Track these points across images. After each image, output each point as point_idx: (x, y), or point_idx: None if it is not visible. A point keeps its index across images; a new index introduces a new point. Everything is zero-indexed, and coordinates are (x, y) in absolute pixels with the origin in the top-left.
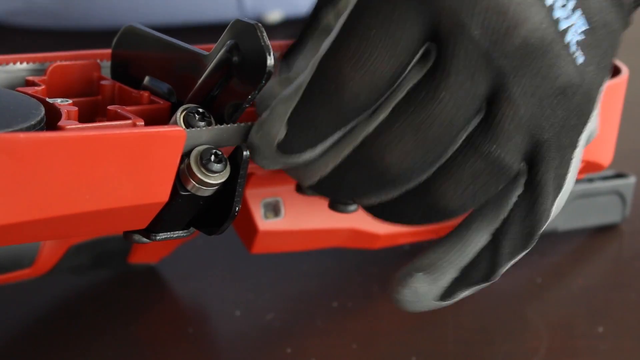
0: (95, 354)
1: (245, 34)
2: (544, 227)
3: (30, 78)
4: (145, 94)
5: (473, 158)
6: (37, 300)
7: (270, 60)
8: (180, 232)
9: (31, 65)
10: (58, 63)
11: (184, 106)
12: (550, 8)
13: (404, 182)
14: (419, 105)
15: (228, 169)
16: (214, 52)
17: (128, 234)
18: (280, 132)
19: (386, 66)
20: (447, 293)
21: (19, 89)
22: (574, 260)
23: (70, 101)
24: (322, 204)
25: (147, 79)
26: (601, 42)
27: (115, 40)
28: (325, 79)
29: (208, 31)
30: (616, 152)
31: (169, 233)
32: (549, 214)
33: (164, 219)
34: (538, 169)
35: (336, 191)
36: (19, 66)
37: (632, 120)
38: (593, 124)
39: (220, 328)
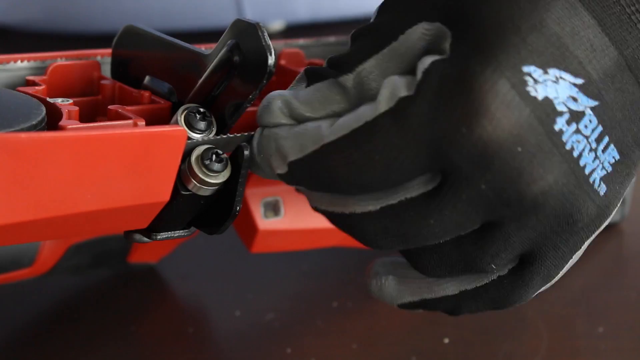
0: (95, 354)
1: (246, 34)
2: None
3: (31, 78)
4: (146, 93)
5: (461, 258)
6: (37, 300)
7: (271, 60)
8: (181, 231)
9: (32, 64)
10: (58, 63)
11: (185, 106)
12: (577, 158)
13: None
14: (408, 220)
15: (229, 168)
16: (214, 52)
17: (129, 234)
18: (281, 168)
19: (381, 181)
20: (409, 306)
21: (20, 88)
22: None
23: (70, 101)
24: None
25: (147, 78)
26: (625, 168)
27: (115, 40)
28: (319, 166)
29: (208, 38)
30: None
31: (169, 232)
32: (526, 300)
33: (165, 218)
34: (527, 268)
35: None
36: (19, 65)
37: None
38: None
39: (220, 328)
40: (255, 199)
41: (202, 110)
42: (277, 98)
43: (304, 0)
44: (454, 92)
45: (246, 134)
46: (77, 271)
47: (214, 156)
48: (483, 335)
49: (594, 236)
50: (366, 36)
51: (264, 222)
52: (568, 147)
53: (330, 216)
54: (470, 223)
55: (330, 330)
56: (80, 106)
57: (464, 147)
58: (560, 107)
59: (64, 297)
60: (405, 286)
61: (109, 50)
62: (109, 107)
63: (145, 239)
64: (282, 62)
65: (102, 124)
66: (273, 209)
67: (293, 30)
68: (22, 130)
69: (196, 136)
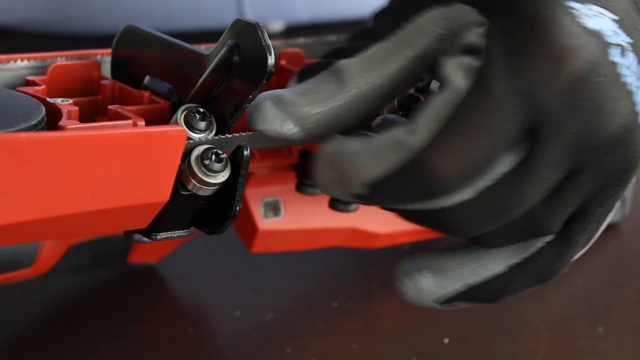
0: (95, 354)
1: (246, 34)
2: (562, 268)
3: (31, 78)
4: (146, 93)
5: (529, 220)
6: (37, 299)
7: (271, 60)
8: (181, 231)
9: (32, 63)
10: (58, 63)
11: (185, 106)
12: (631, 93)
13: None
14: (505, 196)
15: (229, 168)
16: (214, 52)
17: (129, 234)
18: (355, 188)
19: (479, 159)
20: (448, 300)
21: (20, 88)
22: (574, 260)
23: (70, 101)
24: (322, 203)
25: (147, 78)
26: None
27: (115, 40)
28: (414, 176)
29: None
30: None
31: (169, 232)
32: (569, 265)
33: (165, 218)
34: (575, 228)
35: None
36: (19, 64)
37: None
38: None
39: (220, 328)
40: (255, 199)
41: (202, 110)
42: (266, 98)
43: (304, 1)
44: (525, 40)
45: (246, 134)
46: (77, 271)
47: (213, 156)
48: (483, 335)
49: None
50: (366, 34)
51: (264, 222)
52: (623, 80)
53: (410, 215)
54: (558, 177)
55: (330, 330)
56: (80, 106)
57: (556, 86)
58: (611, 39)
59: (64, 297)
60: (445, 276)
61: (109, 50)
62: (109, 107)
63: (145, 239)
64: (282, 62)
65: (102, 124)
66: (273, 209)
67: (293, 31)
68: (22, 130)
69: (196, 136)
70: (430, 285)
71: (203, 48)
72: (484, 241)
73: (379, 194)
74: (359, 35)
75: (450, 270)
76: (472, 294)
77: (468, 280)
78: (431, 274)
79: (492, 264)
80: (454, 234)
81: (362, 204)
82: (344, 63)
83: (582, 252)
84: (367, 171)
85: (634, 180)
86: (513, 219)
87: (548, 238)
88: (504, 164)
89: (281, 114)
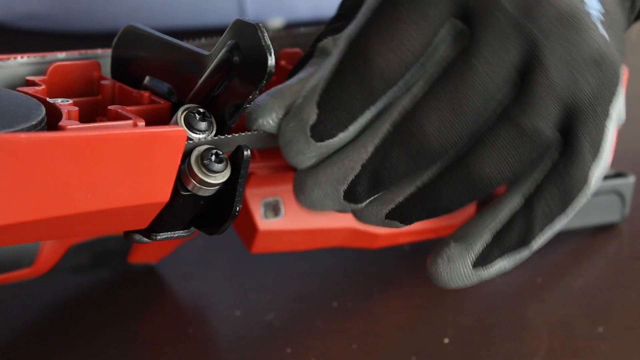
0: (95, 354)
1: (246, 34)
2: (585, 195)
3: (31, 78)
4: (146, 94)
5: (509, 129)
6: (37, 300)
7: (271, 60)
8: (181, 231)
9: (32, 59)
10: (58, 63)
11: (185, 106)
12: None
13: (443, 154)
14: (455, 76)
15: (229, 168)
16: (214, 52)
17: (129, 234)
18: (311, 116)
19: (414, 41)
20: (482, 259)
21: (19, 88)
22: (574, 260)
23: (70, 101)
24: None
25: (147, 78)
26: (614, 26)
27: (115, 40)
28: (354, 56)
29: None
30: (615, 151)
31: (169, 233)
32: (586, 178)
33: (165, 218)
34: (573, 134)
35: (378, 174)
36: (19, 60)
37: (631, 120)
38: (620, 104)
39: (220, 328)
40: (255, 199)
41: (202, 110)
42: (262, 96)
43: None
44: None
45: (246, 134)
46: (77, 271)
47: (213, 156)
48: (483, 335)
49: (615, 108)
50: (341, 16)
51: (264, 223)
52: None
53: (389, 138)
54: (510, 55)
55: (330, 330)
56: (80, 106)
57: None
58: None
59: (64, 297)
60: (468, 234)
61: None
62: (109, 107)
63: (145, 239)
64: (282, 62)
65: (101, 124)
66: (273, 209)
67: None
68: (22, 130)
69: (196, 136)
70: (458, 250)
71: (204, 40)
72: (491, 175)
73: (329, 108)
74: (333, 19)
75: (471, 227)
76: (501, 239)
77: (491, 227)
78: (455, 241)
79: (509, 199)
80: (427, 140)
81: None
82: (325, 42)
83: (601, 170)
84: (312, 84)
85: (633, 180)
86: (482, 116)
87: (554, 158)
88: (446, 58)
89: (277, 100)
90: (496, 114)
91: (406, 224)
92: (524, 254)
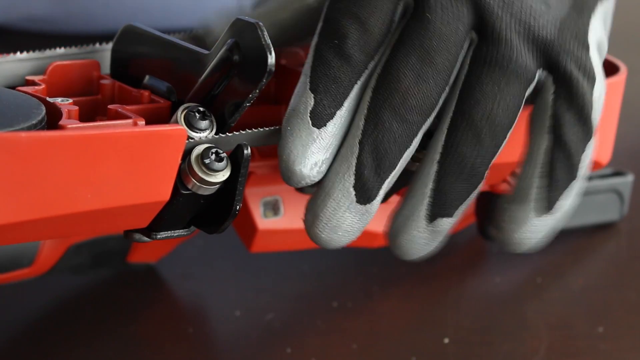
0: (95, 354)
1: (246, 33)
2: (596, 114)
3: (31, 77)
4: (146, 93)
5: (488, 70)
6: (36, 299)
7: (271, 59)
8: (181, 231)
9: (32, 55)
10: (58, 62)
11: (185, 105)
12: None
13: (430, 108)
14: (414, 31)
15: (229, 167)
16: (214, 51)
17: (129, 233)
18: (309, 102)
19: (376, 18)
20: (543, 204)
21: (20, 88)
22: (574, 260)
23: (70, 100)
24: None
25: (147, 78)
26: None
27: (115, 39)
28: (329, 38)
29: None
30: (614, 150)
31: (169, 232)
32: (590, 98)
33: (165, 217)
34: (557, 64)
35: (378, 146)
36: (19, 56)
37: (630, 119)
38: (599, 32)
39: (220, 328)
40: (255, 198)
41: (202, 109)
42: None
43: None
44: None
45: (247, 132)
46: (77, 271)
47: (213, 155)
48: (483, 335)
49: (593, 34)
50: None
51: (264, 222)
52: None
53: (373, 105)
54: (460, 8)
55: (330, 330)
56: (80, 105)
57: None
58: None
59: (64, 297)
60: (522, 192)
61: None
62: (109, 106)
63: (145, 239)
64: (283, 61)
65: (101, 123)
66: (272, 208)
67: None
68: (22, 129)
69: (196, 135)
70: (516, 206)
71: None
72: (493, 118)
73: (322, 88)
74: None
75: (518, 183)
76: (555, 181)
77: (537, 173)
78: (508, 202)
79: (537, 141)
80: (408, 92)
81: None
82: None
83: (600, 90)
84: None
85: (632, 179)
86: (451, 60)
87: (551, 91)
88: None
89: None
90: (468, 59)
91: (452, 215)
92: (576, 186)
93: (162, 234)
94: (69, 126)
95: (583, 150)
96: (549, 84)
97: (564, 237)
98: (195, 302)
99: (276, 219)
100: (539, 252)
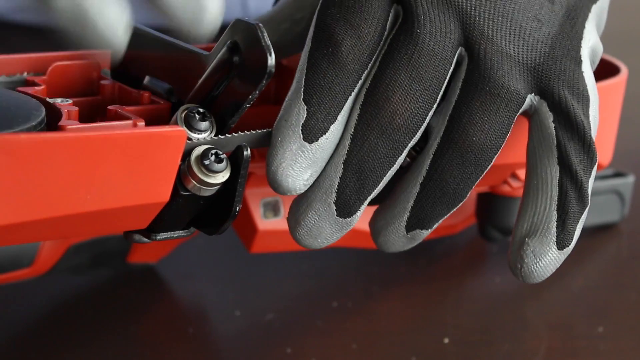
0: (95, 354)
1: (246, 34)
2: (594, 133)
3: (31, 78)
4: (146, 94)
5: (476, 93)
6: (36, 300)
7: (271, 61)
8: (181, 232)
9: (32, 55)
10: (58, 63)
11: (185, 106)
12: None
13: (416, 127)
14: (403, 47)
15: (229, 168)
16: (214, 52)
17: (128, 234)
18: (301, 114)
19: (369, 26)
20: (562, 237)
21: (19, 88)
22: (574, 260)
23: (70, 101)
24: None
25: (147, 78)
26: None
27: None
28: (322, 45)
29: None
30: (615, 151)
31: (169, 233)
32: (588, 122)
33: (165, 218)
34: (550, 90)
35: (362, 166)
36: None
37: (631, 120)
38: (593, 38)
39: (220, 328)
40: (255, 199)
41: (201, 110)
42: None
43: None
44: None
45: (246, 133)
46: (77, 271)
47: (213, 156)
48: (483, 335)
49: (586, 47)
50: None
51: (264, 223)
52: None
53: (361, 122)
54: (447, 24)
55: (330, 330)
56: (80, 106)
57: None
58: None
59: (63, 297)
60: (542, 226)
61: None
62: (109, 107)
63: (145, 240)
64: (285, 62)
65: (101, 124)
66: (273, 209)
67: None
68: (22, 131)
69: (196, 136)
70: (539, 242)
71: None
72: (480, 140)
73: (316, 99)
74: None
75: (534, 216)
76: (570, 210)
77: (553, 206)
78: (529, 237)
79: (546, 170)
80: (396, 111)
81: None
82: None
83: (595, 111)
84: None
85: (632, 180)
86: (439, 79)
87: (550, 119)
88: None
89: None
90: (458, 81)
91: (429, 228)
92: (586, 211)
93: (162, 235)
94: (69, 127)
95: (590, 177)
96: (545, 110)
97: None
98: (195, 302)
99: (276, 219)
100: None
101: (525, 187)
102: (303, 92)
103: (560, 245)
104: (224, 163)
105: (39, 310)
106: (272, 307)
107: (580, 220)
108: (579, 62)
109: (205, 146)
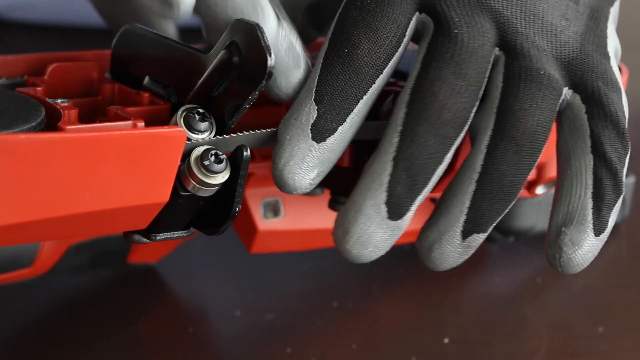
0: (95, 354)
1: (246, 35)
2: (626, 121)
3: (30, 78)
4: (146, 94)
5: (524, 86)
6: (36, 300)
7: (271, 61)
8: (181, 232)
9: (32, 55)
10: (58, 63)
11: (184, 107)
12: None
13: (464, 120)
14: (443, 45)
15: (228, 169)
16: (214, 53)
17: (128, 234)
18: (311, 114)
19: (388, 31)
20: (599, 224)
21: (19, 89)
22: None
23: (70, 101)
24: (321, 203)
25: (147, 79)
26: None
27: (115, 40)
28: (339, 46)
29: None
30: None
31: (169, 233)
32: (622, 110)
33: (164, 219)
34: (584, 82)
35: (412, 162)
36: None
37: (631, 120)
38: (615, 38)
39: (220, 328)
40: (255, 199)
41: (201, 111)
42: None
43: None
44: None
45: (246, 134)
46: (77, 271)
47: (213, 157)
48: (483, 335)
49: (611, 44)
50: None
51: (264, 223)
52: None
53: (410, 112)
54: (481, 26)
55: (330, 330)
56: (80, 107)
57: None
58: None
59: (63, 297)
60: (579, 214)
61: (109, 52)
62: (109, 108)
63: (145, 240)
64: None
65: (101, 124)
66: (273, 209)
67: None
68: (22, 131)
69: (195, 137)
70: (576, 230)
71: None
72: (532, 125)
73: (327, 100)
74: None
75: (571, 205)
76: (606, 198)
77: (589, 194)
78: (565, 226)
79: (580, 164)
80: (444, 105)
81: None
82: None
83: (625, 101)
84: (306, 85)
85: (633, 181)
86: (482, 72)
87: (583, 110)
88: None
89: None
90: (498, 75)
91: (485, 231)
92: (620, 198)
93: (162, 235)
94: (68, 128)
95: (624, 165)
96: (578, 103)
97: None
98: (195, 302)
99: (276, 220)
100: (539, 252)
101: (559, 179)
102: (315, 92)
103: (597, 232)
104: (224, 163)
105: (39, 310)
106: (272, 307)
107: (615, 208)
108: (607, 57)
109: (205, 147)
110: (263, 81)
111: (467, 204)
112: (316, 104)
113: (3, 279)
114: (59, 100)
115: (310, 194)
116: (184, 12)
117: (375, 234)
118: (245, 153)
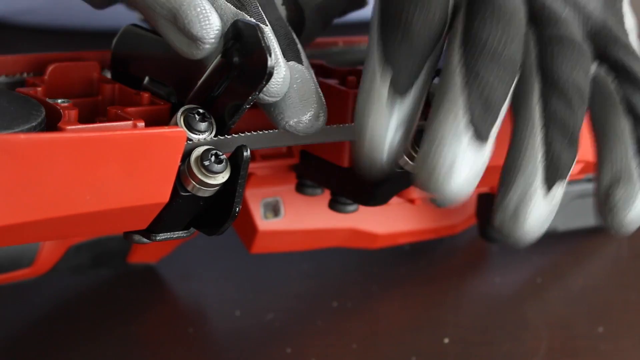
0: (95, 354)
1: (246, 35)
2: None
3: (30, 78)
4: (146, 94)
5: (561, 47)
6: (36, 300)
7: (271, 61)
8: (181, 232)
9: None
10: (58, 63)
11: (184, 107)
12: None
13: (515, 65)
14: (481, 5)
15: (228, 169)
16: (214, 53)
17: (128, 234)
18: (385, 72)
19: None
20: None
21: (19, 89)
22: (574, 260)
23: (70, 102)
24: (322, 204)
25: (147, 79)
26: None
27: (115, 40)
28: (392, 17)
29: None
30: None
31: (169, 233)
32: None
33: (164, 219)
34: (609, 53)
35: (483, 93)
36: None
37: None
38: (631, 18)
39: (220, 328)
40: (255, 199)
41: (201, 111)
42: None
43: None
44: None
45: (246, 134)
46: (77, 271)
47: (213, 157)
48: (483, 335)
49: (628, 20)
50: None
51: (264, 223)
52: None
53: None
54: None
55: (330, 330)
56: (80, 107)
57: None
58: None
59: (64, 297)
60: (623, 169)
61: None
62: (109, 108)
63: (145, 240)
64: None
65: (101, 125)
66: (273, 209)
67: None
68: (22, 131)
69: (195, 137)
70: (624, 187)
71: None
72: (576, 82)
73: (398, 52)
74: None
75: (615, 163)
76: None
77: (632, 148)
78: (612, 184)
79: (618, 122)
80: (504, 52)
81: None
82: None
83: None
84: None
85: None
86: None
87: (610, 78)
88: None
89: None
90: (529, 42)
91: (566, 177)
92: None
93: (162, 236)
94: (68, 128)
95: None
96: (604, 74)
97: (564, 237)
98: (195, 302)
99: (276, 220)
100: (539, 252)
101: (598, 148)
102: (381, 49)
103: None
104: (224, 164)
105: (39, 310)
106: (272, 307)
107: None
108: (626, 33)
109: (205, 147)
110: (263, 81)
111: (541, 153)
112: (387, 63)
113: (3, 279)
114: (59, 101)
115: (311, 194)
116: (210, 45)
117: (463, 159)
118: (245, 153)
